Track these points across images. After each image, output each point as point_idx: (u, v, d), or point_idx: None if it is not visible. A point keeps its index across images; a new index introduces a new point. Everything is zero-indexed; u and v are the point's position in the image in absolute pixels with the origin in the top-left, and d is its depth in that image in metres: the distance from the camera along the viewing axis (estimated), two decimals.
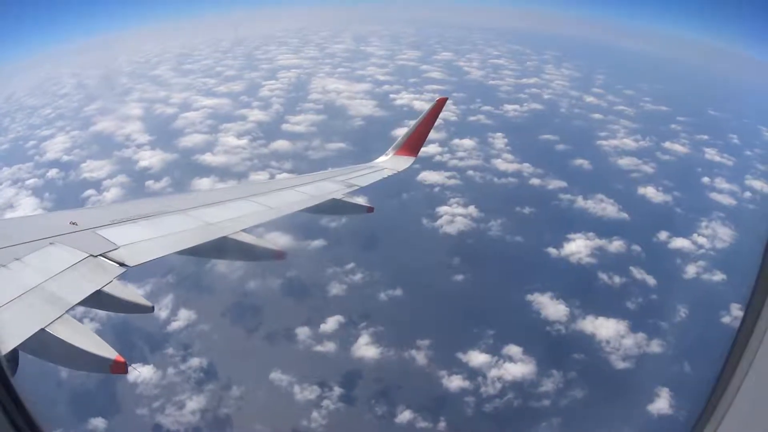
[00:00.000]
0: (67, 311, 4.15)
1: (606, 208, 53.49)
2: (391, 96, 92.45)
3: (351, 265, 41.08)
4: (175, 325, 35.47)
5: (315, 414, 29.56)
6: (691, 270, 43.68)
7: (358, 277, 40.30)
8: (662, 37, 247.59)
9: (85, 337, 3.99)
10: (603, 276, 42.25)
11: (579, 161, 66.58)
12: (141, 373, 31.52)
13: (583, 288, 40.33)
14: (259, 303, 37.78)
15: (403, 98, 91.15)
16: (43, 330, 3.87)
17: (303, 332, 35.02)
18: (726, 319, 35.31)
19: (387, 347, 33.82)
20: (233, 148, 66.00)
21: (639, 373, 32.99)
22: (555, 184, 58.87)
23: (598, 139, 76.44)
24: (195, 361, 32.85)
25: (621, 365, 33.74)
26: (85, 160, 61.98)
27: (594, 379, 32.19)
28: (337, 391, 30.85)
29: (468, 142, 69.15)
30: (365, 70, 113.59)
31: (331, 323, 35.59)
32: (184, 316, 36.16)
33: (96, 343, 4.00)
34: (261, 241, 6.35)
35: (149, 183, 55.18)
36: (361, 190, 9.31)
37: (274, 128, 73.71)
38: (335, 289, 39.25)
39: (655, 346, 35.18)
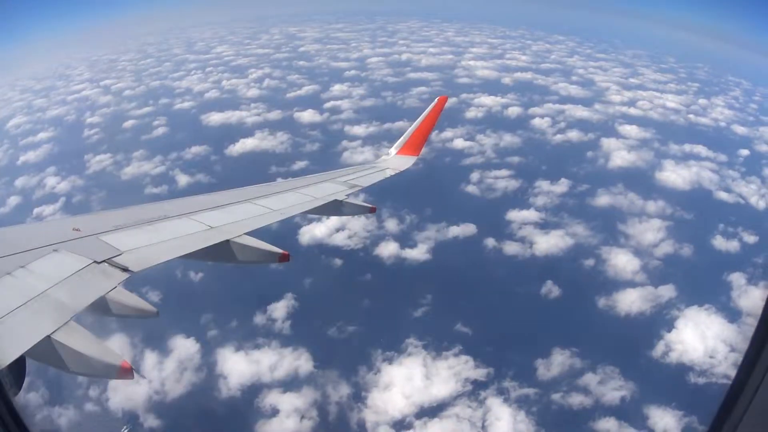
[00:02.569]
0: (72, 318, 4.14)
1: None
2: None
3: None
4: None
5: None
6: None
7: None
8: None
9: (91, 343, 3.98)
10: None
11: None
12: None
13: None
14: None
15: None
16: (48, 337, 3.86)
17: None
18: None
19: None
20: None
21: None
22: None
23: None
24: None
25: None
26: None
27: None
28: None
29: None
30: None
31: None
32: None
33: (102, 349, 3.99)
34: (265, 243, 6.29)
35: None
36: (364, 190, 9.28)
37: None
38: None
39: None
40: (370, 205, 8.65)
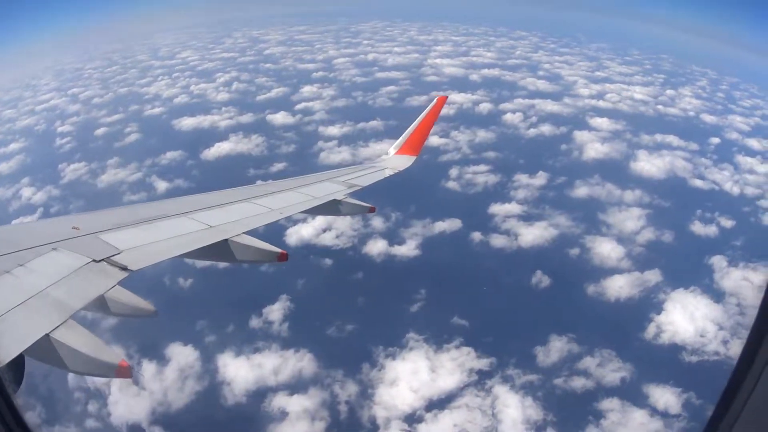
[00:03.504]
0: (71, 316, 4.14)
1: None
2: None
3: None
4: None
5: None
6: None
7: None
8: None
9: (90, 341, 3.97)
10: None
11: None
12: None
13: None
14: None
15: None
16: (47, 335, 3.86)
17: None
18: None
19: None
20: None
21: None
22: None
23: None
24: None
25: None
26: None
27: None
28: None
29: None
30: None
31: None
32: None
33: (100, 348, 3.98)
34: (263, 243, 6.29)
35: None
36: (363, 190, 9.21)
37: None
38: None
39: None
40: (369, 205, 8.62)
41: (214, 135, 73.99)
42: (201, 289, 40.83)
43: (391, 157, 11.39)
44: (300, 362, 34.21)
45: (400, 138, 11.68)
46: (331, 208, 8.33)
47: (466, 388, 32.00)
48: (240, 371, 33.37)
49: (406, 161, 11.16)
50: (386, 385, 32.56)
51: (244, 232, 6.37)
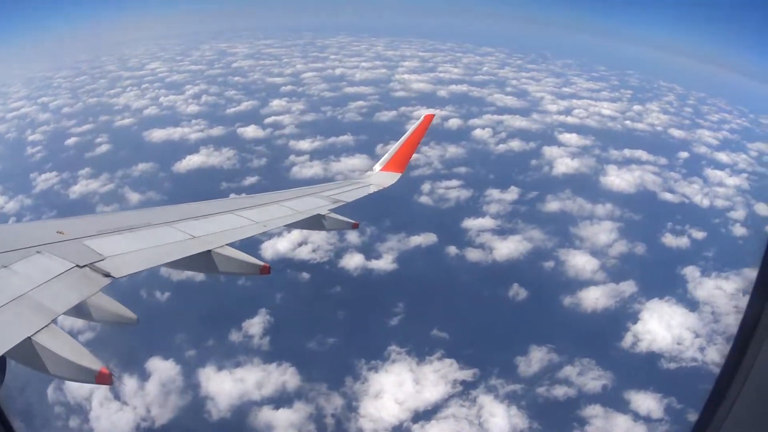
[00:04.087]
0: (52, 321, 4.11)
1: None
2: None
3: None
4: None
5: None
6: None
7: None
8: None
9: (71, 346, 3.96)
10: None
11: None
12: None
13: None
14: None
15: None
16: (29, 339, 3.84)
17: None
18: None
19: None
20: None
21: None
22: None
23: None
24: None
25: None
26: None
27: None
28: None
29: None
30: None
31: None
32: None
33: (81, 354, 3.95)
34: (245, 255, 6.26)
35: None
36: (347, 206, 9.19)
37: None
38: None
39: None
40: (352, 221, 8.61)
41: (185, 147, 73.43)
42: (178, 302, 40.25)
43: (376, 174, 11.36)
44: (283, 376, 33.99)
45: (386, 154, 11.66)
46: (315, 222, 8.31)
47: (450, 399, 32.26)
48: (223, 385, 33.01)
49: (391, 178, 11.16)
50: (371, 397, 32.57)
51: (227, 244, 6.36)
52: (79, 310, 4.57)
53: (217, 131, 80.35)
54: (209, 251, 6.09)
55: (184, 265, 6.08)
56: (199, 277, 42.45)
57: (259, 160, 70.32)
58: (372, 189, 10.48)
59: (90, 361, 3.92)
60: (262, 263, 6.13)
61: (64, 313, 4.32)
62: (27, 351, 3.83)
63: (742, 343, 2.61)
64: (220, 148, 72.09)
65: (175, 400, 32.20)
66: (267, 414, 31.39)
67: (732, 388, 2.61)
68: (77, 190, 60.84)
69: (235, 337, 37.44)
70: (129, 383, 32.83)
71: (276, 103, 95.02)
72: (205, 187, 60.49)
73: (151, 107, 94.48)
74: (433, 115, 12.43)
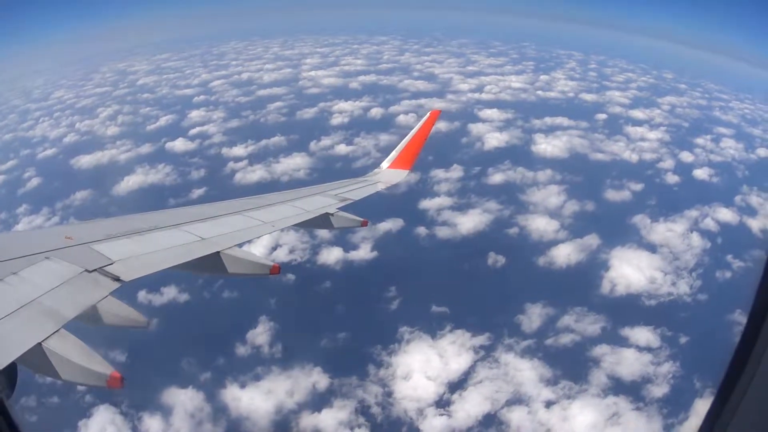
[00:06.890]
0: (63, 326, 4.13)
1: None
2: None
3: None
4: None
5: None
6: None
7: None
8: None
9: (82, 351, 3.98)
10: None
11: None
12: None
13: None
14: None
15: None
16: (39, 344, 3.86)
17: None
18: None
19: None
20: None
21: None
22: None
23: None
24: None
25: None
26: None
27: None
28: None
29: None
30: None
31: None
32: None
33: (92, 358, 3.98)
34: (255, 256, 6.31)
35: None
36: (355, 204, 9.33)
37: None
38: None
39: None
40: (361, 219, 8.58)
41: (118, 169, 70.76)
42: (175, 325, 38.63)
43: (383, 171, 11.45)
44: (309, 378, 34.08)
45: (393, 152, 11.78)
46: (323, 221, 8.35)
47: (476, 364, 34.75)
48: (254, 402, 32.41)
49: (398, 175, 11.23)
50: (400, 379, 34.01)
51: (235, 245, 6.38)
52: (90, 315, 4.57)
53: (146, 149, 78.04)
54: (218, 253, 6.10)
55: (194, 268, 6.05)
56: (183, 297, 41.90)
57: (198, 171, 69.17)
58: (380, 187, 10.55)
59: (101, 365, 3.96)
60: (272, 263, 6.11)
61: (74, 318, 4.32)
62: (38, 357, 3.84)
63: (749, 342, 2.57)
64: (155, 165, 70.07)
65: (213, 429, 31.25)
66: (311, 419, 31.49)
67: (738, 388, 2.57)
68: (21, 228, 56.68)
69: (243, 350, 36.88)
70: (154, 422, 31.34)
71: (195, 114, 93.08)
72: (152, 205, 58.38)
73: (70, 134, 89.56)
74: (440, 111, 12.62)
